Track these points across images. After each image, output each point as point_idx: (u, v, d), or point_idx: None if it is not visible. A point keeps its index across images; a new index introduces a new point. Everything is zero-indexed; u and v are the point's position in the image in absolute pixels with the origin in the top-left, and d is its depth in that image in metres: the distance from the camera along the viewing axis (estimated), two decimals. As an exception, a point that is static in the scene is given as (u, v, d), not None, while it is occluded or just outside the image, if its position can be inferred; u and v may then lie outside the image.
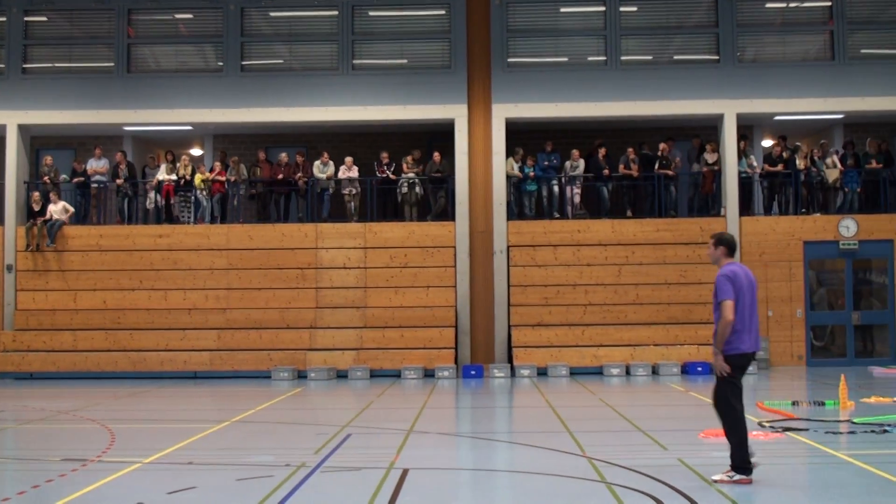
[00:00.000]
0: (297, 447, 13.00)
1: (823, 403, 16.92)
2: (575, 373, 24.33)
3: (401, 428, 14.80)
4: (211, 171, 27.14)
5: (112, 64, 27.44)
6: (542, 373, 24.28)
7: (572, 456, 12.00)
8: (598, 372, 24.39)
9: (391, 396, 20.25)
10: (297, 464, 11.53)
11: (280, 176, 26.87)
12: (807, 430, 13.88)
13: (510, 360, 25.20)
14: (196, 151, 29.83)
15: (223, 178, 26.98)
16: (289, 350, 25.12)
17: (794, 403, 16.97)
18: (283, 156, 27.07)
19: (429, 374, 24.48)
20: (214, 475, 11.03)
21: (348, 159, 26.93)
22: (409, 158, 26.79)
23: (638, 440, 13.31)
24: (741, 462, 10.22)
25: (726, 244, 10.65)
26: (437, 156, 26.70)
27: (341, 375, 24.53)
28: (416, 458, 11.96)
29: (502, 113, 26.49)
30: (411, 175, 26.64)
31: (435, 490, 10.11)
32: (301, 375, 24.46)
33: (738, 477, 10.22)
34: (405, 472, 10.98)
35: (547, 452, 12.37)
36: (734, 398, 10.23)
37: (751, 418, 15.19)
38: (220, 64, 27.43)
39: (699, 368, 24.10)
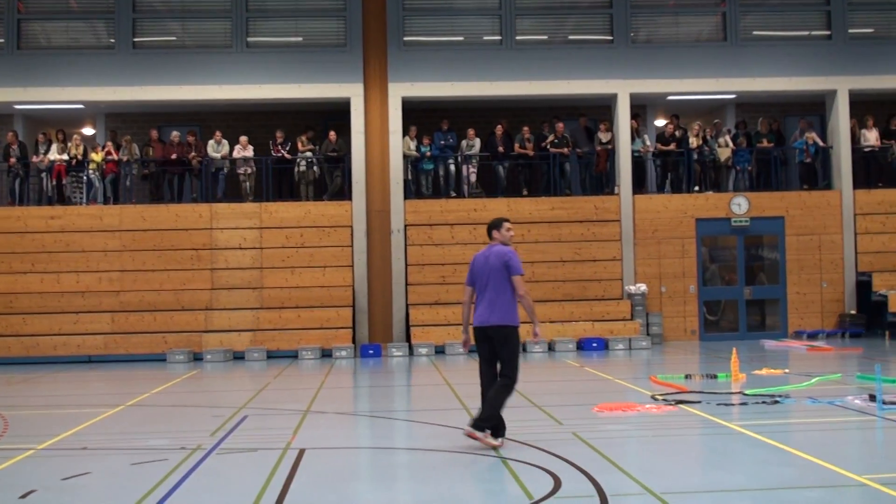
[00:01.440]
0: (192, 430, 12.86)
1: (716, 376, 17.26)
2: (473, 351, 24.33)
3: (298, 408, 14.74)
4: (103, 149, 26.62)
5: (2, 40, 26.75)
6: (439, 351, 24.38)
7: (469, 433, 12.05)
8: (495, 350, 24.50)
9: (288, 377, 20.15)
10: (193, 446, 11.41)
11: (173, 155, 26.51)
12: (699, 402, 14.13)
13: (408, 338, 25.24)
14: (88, 130, 29.24)
15: (115, 158, 26.52)
16: (184, 332, 24.84)
17: (686, 377, 17.28)
18: (175, 134, 26.67)
19: (326, 354, 24.43)
20: (109, 460, 10.87)
21: (243, 138, 26.66)
22: (303, 137, 26.60)
23: (534, 416, 13.42)
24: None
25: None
26: (332, 135, 26.57)
27: (238, 357, 24.36)
28: (312, 439, 11.92)
29: (398, 92, 26.45)
30: (308, 154, 26.48)
31: (331, 469, 10.09)
32: (197, 358, 24.22)
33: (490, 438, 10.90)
34: (301, 452, 10.94)
35: (444, 429, 12.41)
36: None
37: (644, 391, 15.50)
38: (112, 41, 26.93)
39: (594, 344, 24.44)
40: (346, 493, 9.00)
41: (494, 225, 11.62)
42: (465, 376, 19.63)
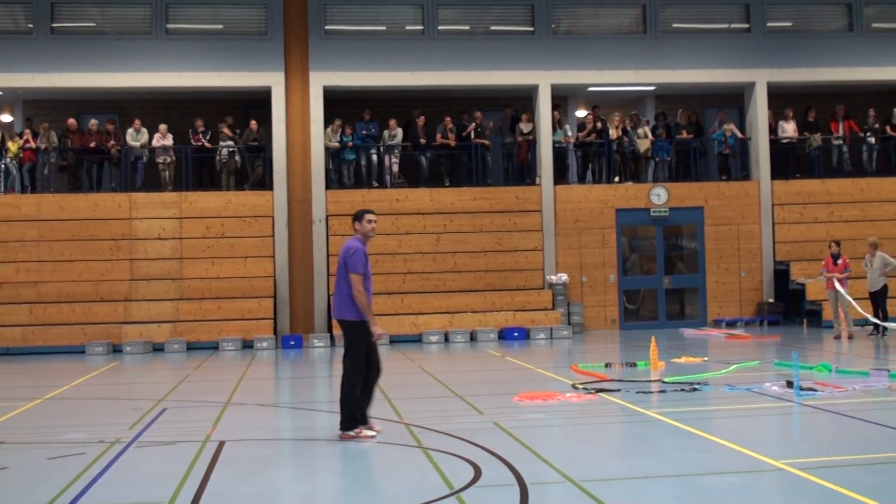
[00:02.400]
0: (111, 423, 12.69)
1: (635, 364, 17.43)
2: (395, 341, 24.44)
3: (218, 400, 14.62)
4: (21, 136, 26.13)
5: (-88, 26, 26.17)
6: (362, 341, 24.26)
7: (390, 423, 12.03)
8: (417, 339, 24.58)
9: (208, 369, 19.98)
10: (112, 440, 11.26)
11: (92, 144, 26.10)
12: (619, 390, 14.25)
13: (330, 329, 25.13)
14: (6, 118, 28.67)
15: (33, 146, 26.05)
16: (103, 324, 24.52)
17: (606, 365, 17.42)
18: (94, 122, 26.25)
19: (247, 345, 24.27)
20: (26, 454, 10.68)
21: (162, 127, 26.35)
22: (224, 126, 26.34)
23: (455, 405, 13.45)
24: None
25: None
26: (253, 124, 26.36)
27: (158, 349, 24.11)
28: (232, 430, 11.83)
29: (320, 81, 26.29)
30: (229, 143, 26.24)
31: (251, 461, 10.02)
32: (116, 350, 23.93)
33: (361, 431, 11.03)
34: (221, 444, 10.85)
35: (365, 420, 12.40)
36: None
37: (564, 380, 15.59)
38: (30, 26, 26.43)
39: (515, 334, 24.54)
40: (266, 485, 8.94)
41: (357, 216, 11.59)
42: (387, 367, 19.57)
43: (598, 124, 27.43)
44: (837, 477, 8.54)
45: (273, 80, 26.26)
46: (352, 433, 10.89)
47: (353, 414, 10.99)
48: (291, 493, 8.80)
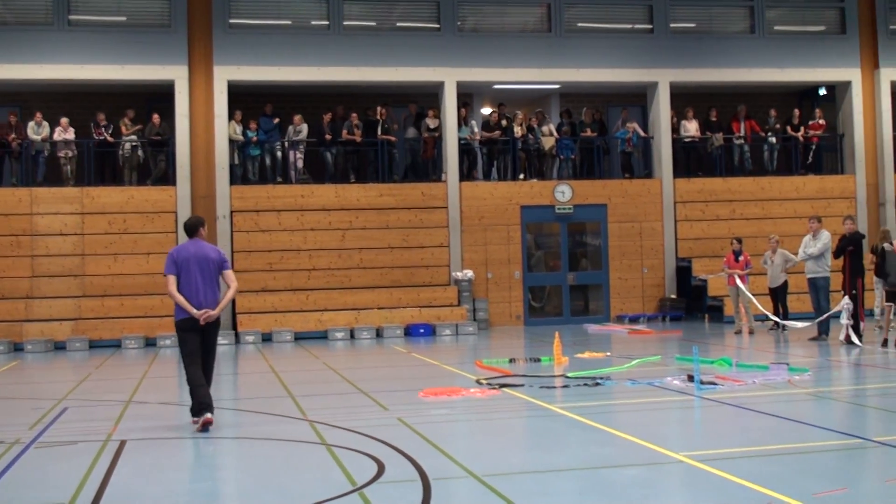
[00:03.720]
0: (10, 423, 12.45)
1: (539, 360, 17.57)
2: (300, 338, 24.34)
3: (120, 399, 14.44)
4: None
5: None
6: (266, 339, 24.19)
7: (294, 420, 12.01)
8: (323, 336, 24.50)
9: (111, 367, 19.71)
10: (11, 440, 11.06)
11: (-9, 137, 25.57)
12: (522, 385, 14.37)
13: (234, 326, 24.94)
14: None
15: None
16: (4, 322, 24.04)
17: (511, 361, 17.53)
18: (-7, 116, 25.75)
19: (150, 343, 23.98)
20: (-83, 454, 10.45)
21: (63, 120, 25.88)
22: (126, 119, 25.96)
23: (360, 402, 13.44)
24: (195, 407, 11.57)
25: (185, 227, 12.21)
26: (156, 118, 26.03)
27: (59, 347, 23.72)
28: (134, 430, 11.69)
29: (224, 75, 26.04)
30: (132, 137, 25.88)
31: (153, 460, 9.91)
32: (17, 348, 23.48)
33: (193, 419, 11.61)
34: (123, 443, 10.73)
35: (269, 418, 12.34)
36: (185, 356, 11.82)
37: (469, 376, 15.67)
38: (-74, 16, 25.79)
39: (421, 330, 24.61)
40: (168, 484, 8.86)
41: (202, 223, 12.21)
42: (292, 364, 19.58)
43: (504, 122, 27.58)
44: (736, 468, 8.71)
45: (176, 74, 25.94)
46: (207, 416, 11.43)
47: (194, 399, 11.63)
48: (193, 491, 8.72)
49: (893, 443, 9.72)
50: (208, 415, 11.36)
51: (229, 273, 12.16)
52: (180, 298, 11.58)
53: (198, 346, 11.78)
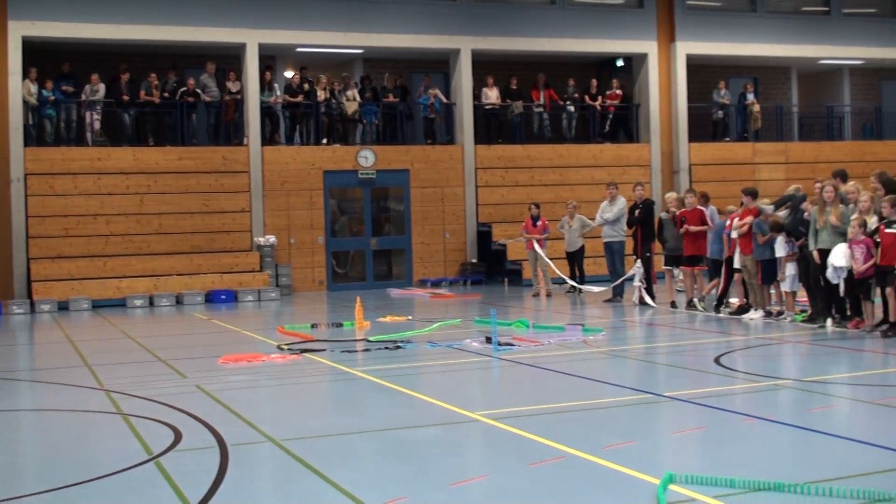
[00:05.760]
0: None
1: (341, 324, 17.61)
2: (98, 305, 23.70)
3: None
4: None
5: None
6: (63, 307, 23.44)
7: (91, 390, 11.73)
8: (121, 304, 23.91)
9: None
10: None
11: None
12: (324, 350, 14.38)
13: (30, 295, 24.09)
14: None
15: None
16: None
17: (313, 326, 17.52)
18: None
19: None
20: None
21: None
22: None
23: (158, 370, 13.23)
24: None
25: None
26: (-57, 77, 24.86)
27: None
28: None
29: (19, 31, 24.91)
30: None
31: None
32: None
33: None
34: None
35: (65, 388, 12.04)
36: None
37: (270, 342, 15.60)
38: None
39: (223, 296, 24.32)
40: (-47, 456, 8.57)
41: None
42: (89, 333, 19.12)
43: (306, 86, 27.38)
44: (530, 425, 8.95)
45: (-36, 31, 24.81)
46: None
47: None
48: (-18, 463, 8.46)
49: (682, 397, 10.15)
50: None
51: None
52: None
53: None
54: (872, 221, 14.50)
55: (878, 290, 14.38)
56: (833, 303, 15.35)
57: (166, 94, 26.24)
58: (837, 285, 14.81)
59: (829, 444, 8.19)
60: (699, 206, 18.65)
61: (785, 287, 16.31)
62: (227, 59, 27.66)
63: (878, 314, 14.63)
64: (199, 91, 26.45)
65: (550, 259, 23.20)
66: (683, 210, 18.82)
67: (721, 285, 17.96)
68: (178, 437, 8.90)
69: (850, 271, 14.47)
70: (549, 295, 22.95)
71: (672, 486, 6.85)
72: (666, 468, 7.18)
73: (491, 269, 27.94)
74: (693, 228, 18.41)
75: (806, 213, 15.69)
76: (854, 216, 14.58)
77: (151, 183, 25.63)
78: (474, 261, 28.01)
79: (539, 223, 23.48)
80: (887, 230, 13.96)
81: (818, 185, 15.68)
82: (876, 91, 35.94)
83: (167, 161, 25.90)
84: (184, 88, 26.23)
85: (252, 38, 26.55)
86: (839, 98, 34.92)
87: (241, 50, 26.86)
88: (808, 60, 33.23)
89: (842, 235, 14.70)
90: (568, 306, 21.07)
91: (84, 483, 7.53)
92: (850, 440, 8.25)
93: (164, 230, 25.66)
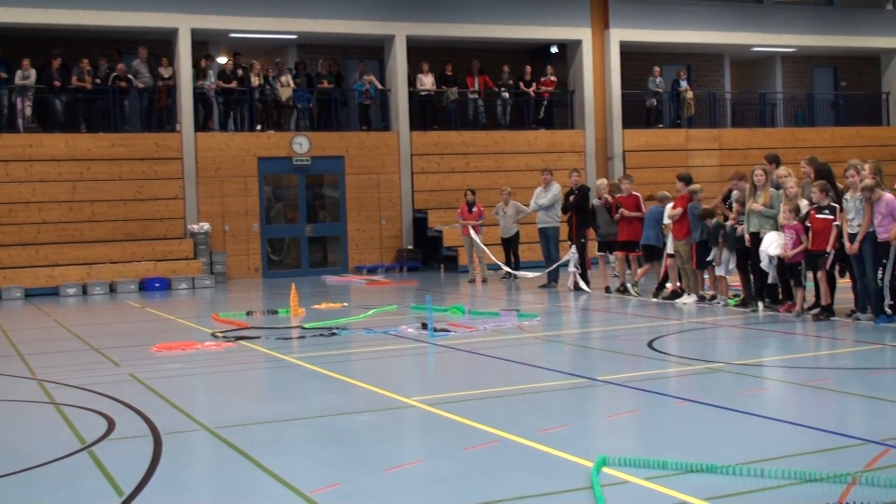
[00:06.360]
0: None
1: (277, 312, 17.58)
2: (30, 294, 23.38)
3: None
4: None
5: None
6: (-9, 296, 23.14)
7: (22, 379, 11.61)
8: (54, 292, 23.62)
9: None
10: None
11: None
12: (259, 337, 14.35)
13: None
14: None
15: None
16: None
17: (248, 313, 17.47)
18: None
19: None
20: None
21: None
22: None
23: (91, 359, 13.12)
24: None
25: None
26: None
27: None
28: None
29: (-55, 17, 24.54)
30: None
31: None
32: None
33: None
34: None
35: (-8, 377, 11.91)
36: None
37: (204, 330, 15.52)
38: None
39: (157, 284, 24.13)
40: None
41: None
42: (21, 322, 18.94)
43: (240, 71, 27.18)
44: (465, 410, 9.01)
45: None
46: None
47: None
48: None
49: (616, 381, 10.25)
50: None
51: None
52: None
53: None
54: (803, 205, 14.72)
55: (810, 275, 14.62)
56: (764, 287, 15.56)
57: (98, 80, 25.93)
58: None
59: (760, 425, 8.32)
60: (634, 193, 18.89)
61: (718, 272, 16.52)
62: (161, 45, 27.38)
63: (810, 298, 14.87)
64: (131, 77, 26.14)
65: (486, 245, 23.26)
66: (619, 196, 19.03)
67: (661, 271, 18.15)
68: (111, 425, 8.84)
69: (779, 257, 14.70)
70: (484, 281, 23.01)
71: (605, 469, 6.93)
72: (599, 451, 7.26)
73: (427, 255, 27.96)
74: (628, 214, 18.61)
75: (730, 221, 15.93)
76: (783, 202, 14.79)
77: (84, 170, 25.33)
78: (410, 247, 28.01)
79: (474, 209, 23.54)
80: (818, 216, 14.19)
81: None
82: (808, 78, 36.48)
83: (99, 148, 25.60)
84: (115, 74, 25.90)
85: (184, 23, 26.29)
86: (771, 85, 35.39)
87: (173, 35, 26.59)
88: (740, 48, 33.64)
89: (769, 219, 14.93)
90: (503, 292, 21.15)
91: (15, 473, 7.46)
92: (781, 422, 8.39)
93: (97, 218, 25.38)
